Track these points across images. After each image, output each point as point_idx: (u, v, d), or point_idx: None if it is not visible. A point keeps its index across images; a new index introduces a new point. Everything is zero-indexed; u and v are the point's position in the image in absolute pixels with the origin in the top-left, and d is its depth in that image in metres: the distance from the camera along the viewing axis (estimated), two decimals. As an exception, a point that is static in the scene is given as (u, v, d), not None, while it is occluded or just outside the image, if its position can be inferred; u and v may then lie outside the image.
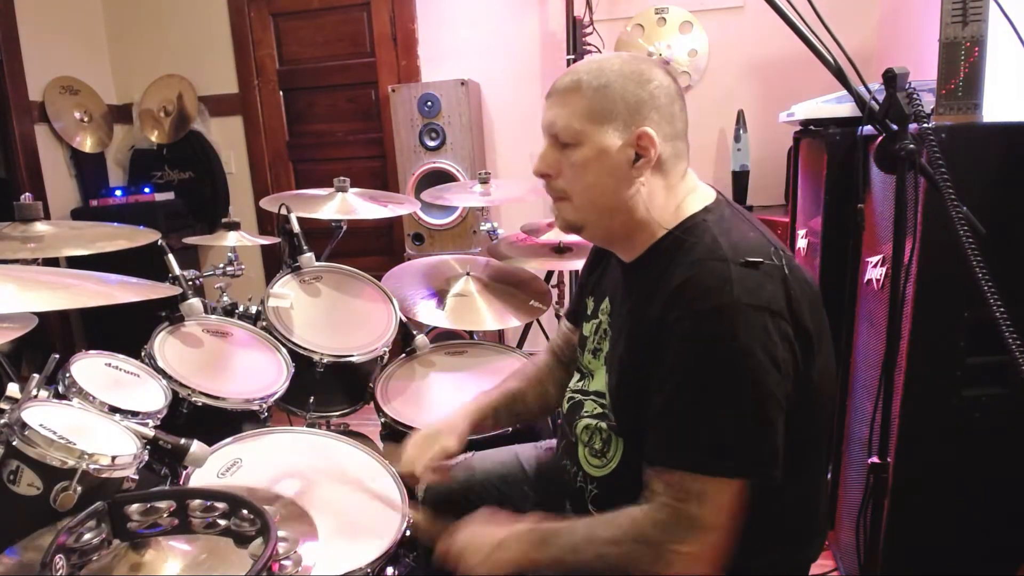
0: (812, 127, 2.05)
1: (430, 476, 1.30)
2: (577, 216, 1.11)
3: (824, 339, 1.01)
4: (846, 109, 1.84)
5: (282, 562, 1.02)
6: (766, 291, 0.94)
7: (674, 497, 0.93)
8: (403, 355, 2.06)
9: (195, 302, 1.79)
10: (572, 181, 1.08)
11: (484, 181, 2.42)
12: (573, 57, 3.06)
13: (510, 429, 1.71)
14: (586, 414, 1.17)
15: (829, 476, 1.86)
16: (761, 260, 0.96)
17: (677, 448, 0.95)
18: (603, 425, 1.13)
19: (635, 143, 1.03)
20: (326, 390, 1.92)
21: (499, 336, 2.78)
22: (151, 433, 1.25)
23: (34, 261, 1.51)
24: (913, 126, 1.10)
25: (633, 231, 1.09)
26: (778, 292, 0.95)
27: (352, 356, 1.87)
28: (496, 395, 1.40)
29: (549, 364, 1.44)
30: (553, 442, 1.42)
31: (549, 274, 2.57)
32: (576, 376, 1.27)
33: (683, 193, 1.09)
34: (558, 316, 2.61)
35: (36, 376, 1.21)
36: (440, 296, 2.18)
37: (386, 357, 1.97)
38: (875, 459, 1.21)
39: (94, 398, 1.33)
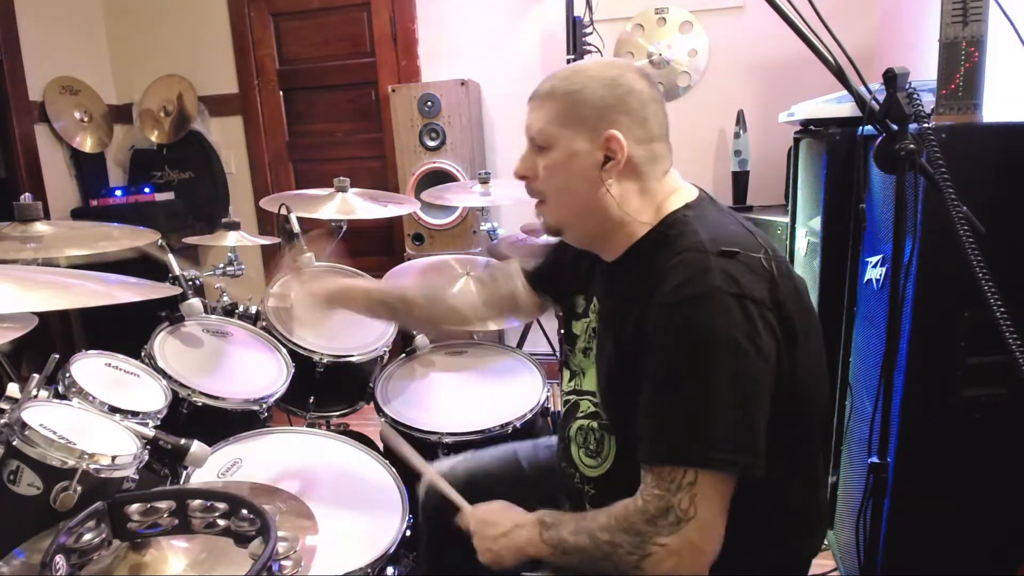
0: (812, 127, 2.04)
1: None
2: (554, 218, 1.13)
3: (812, 333, 1.01)
4: (846, 109, 1.84)
5: (282, 562, 1.02)
6: (747, 280, 0.94)
7: (661, 488, 0.93)
8: (403, 355, 2.06)
9: (195, 302, 1.79)
10: (546, 183, 1.10)
11: (484, 181, 2.42)
12: (573, 57, 3.05)
13: (509, 429, 1.72)
14: (580, 414, 1.18)
15: (832, 478, 1.86)
16: (739, 250, 0.96)
17: (664, 440, 0.95)
18: (595, 424, 1.14)
19: (604, 146, 1.04)
20: (326, 390, 1.92)
21: (499, 336, 2.78)
22: (151, 433, 1.25)
23: (34, 261, 1.51)
24: (913, 126, 1.10)
25: (609, 232, 1.10)
26: (760, 281, 0.95)
27: (352, 356, 1.87)
28: (385, 285, 1.52)
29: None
30: (553, 440, 1.42)
31: (549, 274, 2.57)
32: (567, 376, 1.27)
33: (663, 194, 1.09)
34: (558, 316, 2.61)
35: (36, 376, 1.20)
36: (440, 296, 2.18)
37: (386, 357, 1.98)
38: (875, 459, 1.22)
39: (94, 398, 1.33)
